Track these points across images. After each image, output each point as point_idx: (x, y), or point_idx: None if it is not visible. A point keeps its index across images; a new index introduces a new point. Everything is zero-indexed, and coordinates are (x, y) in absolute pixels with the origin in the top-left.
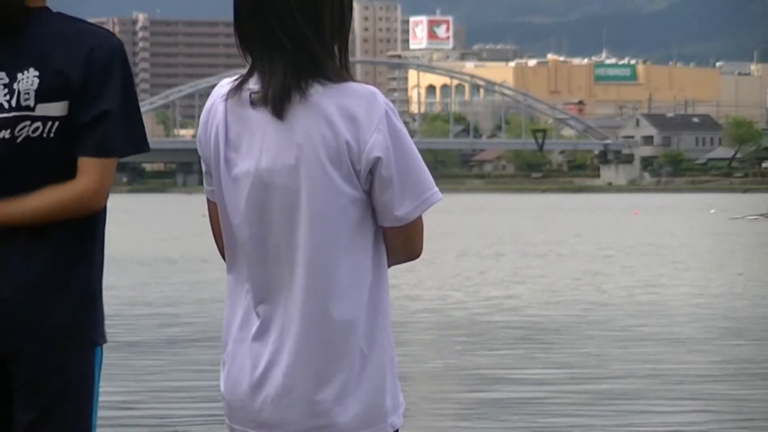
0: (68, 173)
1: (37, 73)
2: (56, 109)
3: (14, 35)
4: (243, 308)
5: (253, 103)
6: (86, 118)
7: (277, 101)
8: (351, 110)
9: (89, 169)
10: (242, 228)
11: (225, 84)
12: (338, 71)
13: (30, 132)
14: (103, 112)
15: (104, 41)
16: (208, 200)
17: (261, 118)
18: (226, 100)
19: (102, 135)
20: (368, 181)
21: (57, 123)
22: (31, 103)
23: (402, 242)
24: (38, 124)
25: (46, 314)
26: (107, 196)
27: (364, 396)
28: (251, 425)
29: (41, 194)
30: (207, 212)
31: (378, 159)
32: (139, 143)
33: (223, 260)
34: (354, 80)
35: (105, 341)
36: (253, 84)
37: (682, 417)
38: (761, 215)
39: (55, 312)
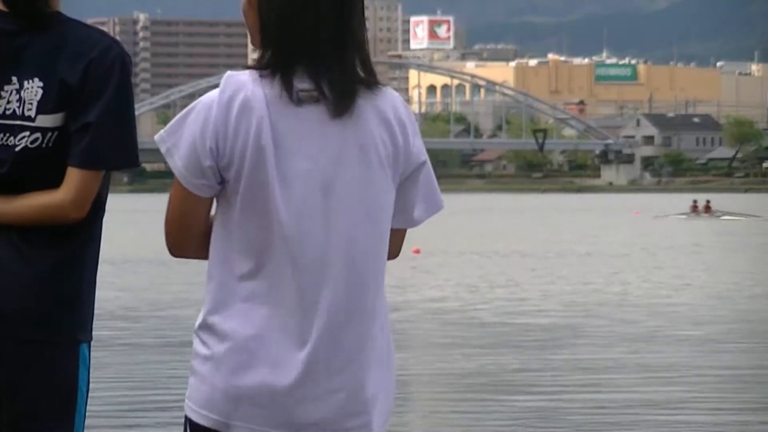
0: (62, 179)
1: (41, 84)
2: (54, 120)
3: (33, 36)
4: (265, 304)
5: (300, 101)
6: (75, 127)
7: (342, 102)
8: (400, 115)
9: (72, 179)
10: (291, 228)
11: (245, 80)
12: (376, 74)
13: (28, 143)
14: (90, 123)
15: (105, 53)
16: (188, 192)
17: (311, 116)
18: (265, 96)
19: (87, 146)
20: (401, 183)
21: (56, 133)
22: (32, 113)
23: (397, 243)
24: (38, 135)
25: (29, 312)
26: (88, 207)
27: (386, 398)
28: (274, 423)
29: (27, 198)
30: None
31: (424, 163)
32: (128, 157)
33: (171, 254)
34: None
35: (90, 338)
36: (299, 82)
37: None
38: (685, 213)
39: (38, 310)
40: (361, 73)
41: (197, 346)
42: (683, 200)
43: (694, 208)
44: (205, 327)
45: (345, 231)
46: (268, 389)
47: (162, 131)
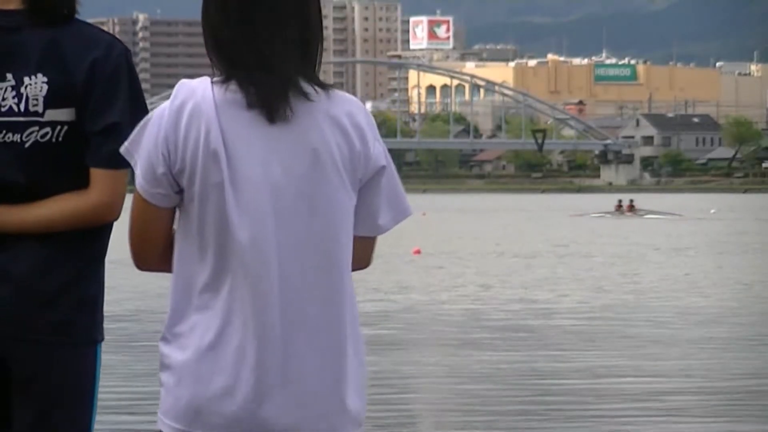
0: (77, 177)
1: (45, 79)
2: (64, 114)
3: (31, 33)
4: (222, 311)
5: (250, 106)
6: (96, 129)
7: (289, 106)
8: (357, 120)
9: (102, 181)
10: (243, 231)
11: (196, 86)
12: (319, 77)
13: (38, 137)
14: (112, 124)
15: (109, 51)
16: (148, 203)
17: (260, 121)
18: (215, 101)
19: (113, 147)
20: (361, 188)
21: (66, 127)
22: (40, 108)
23: (366, 252)
24: (47, 129)
25: (46, 311)
26: (121, 207)
27: (352, 407)
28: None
29: (55, 202)
30: None
31: (383, 168)
32: None
33: (136, 266)
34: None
35: (103, 338)
36: (248, 87)
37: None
38: (607, 213)
39: (56, 309)
40: (313, 78)
41: (161, 357)
42: (682, 200)
43: (618, 207)
44: (167, 338)
45: (297, 236)
46: (227, 399)
47: (126, 143)
